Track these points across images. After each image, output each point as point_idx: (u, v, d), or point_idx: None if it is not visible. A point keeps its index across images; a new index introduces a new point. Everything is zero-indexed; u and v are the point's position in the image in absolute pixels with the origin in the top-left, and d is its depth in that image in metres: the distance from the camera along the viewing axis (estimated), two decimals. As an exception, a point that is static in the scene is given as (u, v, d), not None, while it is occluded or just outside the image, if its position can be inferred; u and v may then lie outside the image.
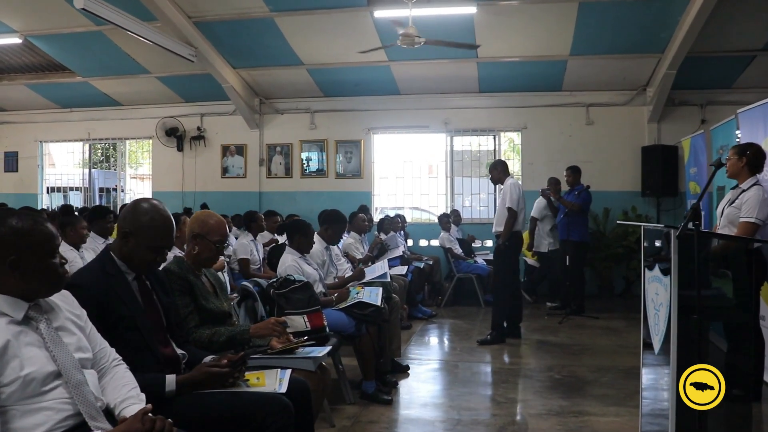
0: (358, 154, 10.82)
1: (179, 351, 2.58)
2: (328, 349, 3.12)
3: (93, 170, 13.29)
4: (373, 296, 4.64)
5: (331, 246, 5.36)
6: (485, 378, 5.50)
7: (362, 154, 10.79)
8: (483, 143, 10.47)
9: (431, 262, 9.56)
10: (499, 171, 6.76)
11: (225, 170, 11.21)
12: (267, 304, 4.11)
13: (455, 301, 9.17)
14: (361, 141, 10.79)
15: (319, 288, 4.69)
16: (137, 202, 2.59)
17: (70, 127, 11.79)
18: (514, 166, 10.64)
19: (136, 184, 15.04)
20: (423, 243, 10.66)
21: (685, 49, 8.12)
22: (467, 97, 10.36)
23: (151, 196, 2.69)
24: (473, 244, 10.12)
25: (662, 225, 3.16)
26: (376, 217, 10.10)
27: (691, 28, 7.64)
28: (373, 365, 4.60)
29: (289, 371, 2.66)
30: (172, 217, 2.58)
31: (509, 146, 14.70)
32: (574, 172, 8.31)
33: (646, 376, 3.77)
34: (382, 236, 8.64)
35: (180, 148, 11.21)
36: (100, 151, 15.70)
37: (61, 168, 12.61)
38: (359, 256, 7.27)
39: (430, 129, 10.70)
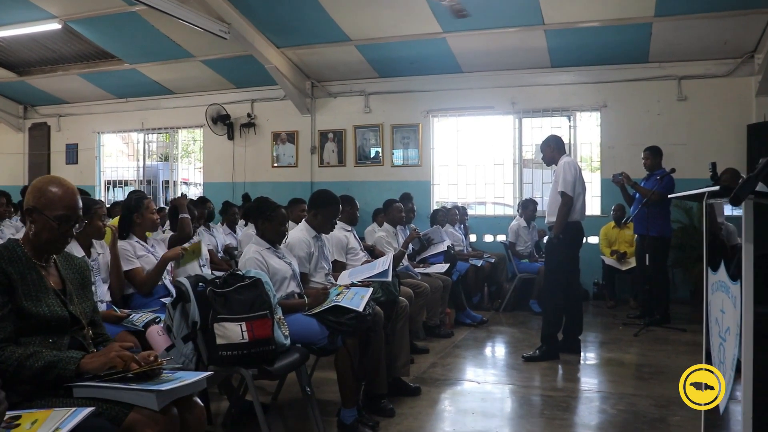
0: (415, 140, 9.80)
1: None
2: (197, 377, 2.15)
3: (158, 163, 13.08)
4: (356, 299, 3.62)
5: (323, 235, 4.37)
6: (515, 408, 4.28)
7: (420, 140, 9.76)
8: (556, 125, 9.12)
9: (493, 260, 8.40)
10: (552, 149, 5.57)
11: (275, 159, 10.52)
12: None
13: (516, 305, 7.99)
14: (419, 125, 9.76)
15: (290, 287, 3.75)
16: None
17: (125, 118, 11.53)
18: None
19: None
20: (488, 238, 9.51)
21: (802, 1, 6.55)
22: (537, 74, 9.08)
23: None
24: (545, 240, 8.89)
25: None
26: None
27: (809, -28, 6.11)
28: (354, 388, 3.60)
29: (83, 413, 1.73)
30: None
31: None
32: (654, 154, 6.92)
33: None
34: (436, 228, 7.58)
35: (230, 137, 10.63)
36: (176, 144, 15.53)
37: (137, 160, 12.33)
38: (392, 252, 6.24)
39: (495, 110, 9.50)
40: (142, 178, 11.55)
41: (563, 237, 5.38)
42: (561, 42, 8.32)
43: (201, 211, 6.19)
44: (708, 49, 8.12)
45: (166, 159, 12.68)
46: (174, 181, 11.55)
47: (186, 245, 4.18)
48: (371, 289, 3.82)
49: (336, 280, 4.25)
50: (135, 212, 4.10)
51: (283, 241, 3.97)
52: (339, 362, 3.55)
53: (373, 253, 6.08)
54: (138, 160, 11.70)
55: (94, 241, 3.82)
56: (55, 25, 8.91)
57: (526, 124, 9.40)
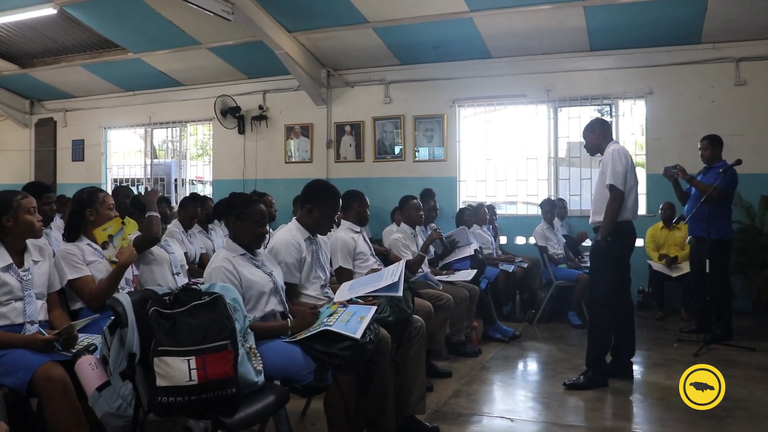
0: (440, 132, 8.96)
1: None
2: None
3: (169, 160, 12.43)
4: (353, 322, 2.81)
5: (319, 237, 3.55)
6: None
7: (445, 132, 8.92)
8: (595, 115, 8.19)
9: (526, 265, 7.53)
10: (596, 135, 4.71)
11: (289, 154, 9.77)
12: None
13: (553, 316, 7.11)
14: (444, 116, 8.92)
15: (269, 305, 2.95)
16: None
17: (132, 112, 10.94)
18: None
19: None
20: (520, 240, 8.62)
21: None
22: (574, 58, 8.19)
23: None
24: (584, 244, 7.99)
25: None
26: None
27: None
28: (348, 436, 2.79)
29: None
30: None
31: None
32: (713, 143, 5.99)
33: None
34: (461, 229, 6.71)
35: (241, 131, 9.91)
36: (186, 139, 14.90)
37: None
38: (409, 257, 5.42)
39: (528, 99, 8.61)
40: (149, 176, 10.87)
41: (612, 239, 4.51)
42: (602, 21, 7.43)
43: (193, 209, 5.46)
44: (770, 26, 7.17)
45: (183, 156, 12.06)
46: (183, 179, 10.85)
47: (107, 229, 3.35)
48: (374, 308, 2.99)
49: (335, 294, 3.45)
50: (87, 207, 3.35)
51: (266, 245, 3.18)
52: (329, 404, 2.73)
53: (388, 258, 5.26)
54: (146, 157, 11.04)
55: (30, 245, 3.06)
56: (50, 10, 8.28)
57: (563, 114, 8.50)
